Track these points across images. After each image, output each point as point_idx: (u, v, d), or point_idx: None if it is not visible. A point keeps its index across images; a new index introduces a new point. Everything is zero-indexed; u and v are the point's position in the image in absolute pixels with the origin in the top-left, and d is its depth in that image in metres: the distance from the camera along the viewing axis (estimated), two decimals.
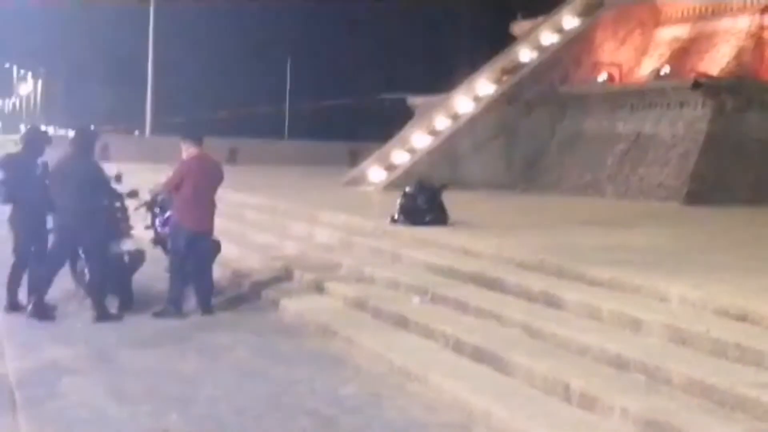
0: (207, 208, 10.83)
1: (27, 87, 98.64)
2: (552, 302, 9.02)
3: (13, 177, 10.46)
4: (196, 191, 10.62)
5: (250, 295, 11.80)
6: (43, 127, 12.33)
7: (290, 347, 9.25)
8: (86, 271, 10.57)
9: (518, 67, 25.52)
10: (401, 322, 9.48)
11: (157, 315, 10.36)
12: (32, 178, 10.45)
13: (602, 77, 25.68)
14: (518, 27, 30.23)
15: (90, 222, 10.13)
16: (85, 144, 10.55)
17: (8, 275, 10.57)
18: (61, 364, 8.29)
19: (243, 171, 27.01)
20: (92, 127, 12.26)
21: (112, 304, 10.44)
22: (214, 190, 10.99)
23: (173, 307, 10.48)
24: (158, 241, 11.60)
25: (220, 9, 59.21)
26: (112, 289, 10.58)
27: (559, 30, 26.59)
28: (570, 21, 26.77)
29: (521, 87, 24.51)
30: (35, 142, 10.80)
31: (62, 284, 11.06)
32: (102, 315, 10.13)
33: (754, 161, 19.73)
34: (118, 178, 11.32)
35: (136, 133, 49.15)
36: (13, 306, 10.49)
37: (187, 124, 37.33)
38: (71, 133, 13.22)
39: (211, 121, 50.15)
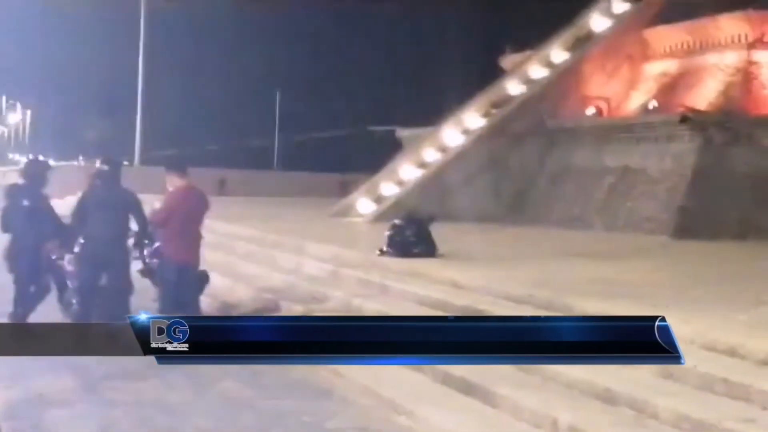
0: (193, 239, 10.84)
1: (16, 116, 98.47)
2: None
3: (12, 207, 10.55)
4: (183, 223, 10.63)
5: None
6: (41, 158, 12.42)
7: (278, 379, 9.20)
8: (73, 301, 10.55)
9: (507, 100, 25.63)
10: None
11: None
12: (32, 209, 10.49)
13: (590, 111, 25.81)
14: (507, 60, 30.42)
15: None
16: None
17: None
18: (48, 395, 8.26)
19: (232, 202, 26.98)
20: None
21: None
22: (200, 221, 11.01)
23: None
24: (147, 272, 11.55)
25: (210, 43, 59.58)
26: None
27: (548, 63, 26.74)
28: (558, 54, 26.93)
29: (510, 120, 24.59)
30: (37, 172, 10.85)
31: (49, 314, 11.03)
32: None
33: (741, 196, 19.78)
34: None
35: (125, 163, 49.09)
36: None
37: (172, 155, 37.34)
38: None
39: (200, 152, 50.23)
